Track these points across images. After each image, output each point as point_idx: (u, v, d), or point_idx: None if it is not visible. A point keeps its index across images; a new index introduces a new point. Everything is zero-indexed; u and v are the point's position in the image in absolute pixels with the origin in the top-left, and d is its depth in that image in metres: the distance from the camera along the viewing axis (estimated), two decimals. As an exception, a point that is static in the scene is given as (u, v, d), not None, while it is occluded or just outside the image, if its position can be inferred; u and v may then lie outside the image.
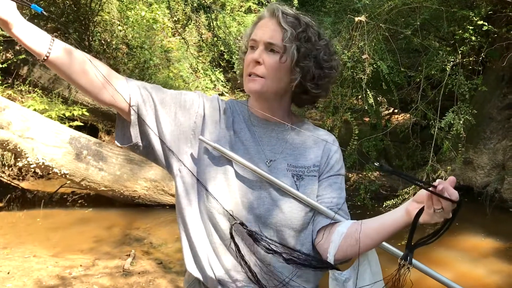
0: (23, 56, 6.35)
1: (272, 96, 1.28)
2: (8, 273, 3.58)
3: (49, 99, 6.30)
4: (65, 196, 5.49)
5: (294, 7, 1.53)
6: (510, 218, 5.16)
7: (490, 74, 5.62)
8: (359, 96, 5.34)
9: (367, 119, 6.23)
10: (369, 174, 5.60)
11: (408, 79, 5.59)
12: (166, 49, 8.21)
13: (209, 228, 1.24)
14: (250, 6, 9.69)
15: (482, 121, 5.51)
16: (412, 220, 1.09)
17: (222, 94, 8.88)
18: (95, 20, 7.33)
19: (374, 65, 4.89)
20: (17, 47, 6.50)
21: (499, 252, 4.29)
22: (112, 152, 5.13)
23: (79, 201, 5.39)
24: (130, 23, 7.67)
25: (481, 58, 5.09)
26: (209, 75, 8.93)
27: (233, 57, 7.86)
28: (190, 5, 8.73)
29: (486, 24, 4.82)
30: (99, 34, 7.34)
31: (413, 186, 4.45)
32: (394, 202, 4.45)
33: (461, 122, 4.74)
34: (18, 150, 4.73)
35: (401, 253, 1.13)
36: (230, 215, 1.20)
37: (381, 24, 4.95)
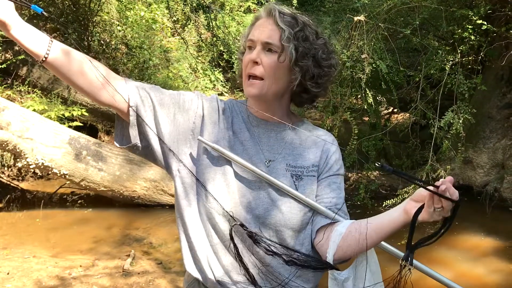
0: (22, 56, 6.36)
1: (272, 97, 1.28)
2: (8, 273, 3.58)
3: (49, 100, 6.30)
4: (65, 197, 5.49)
5: (293, 7, 1.53)
6: (509, 217, 5.16)
7: (489, 73, 5.63)
8: (359, 96, 5.34)
9: (366, 119, 6.24)
10: (368, 174, 5.60)
11: (408, 78, 5.59)
12: (165, 49, 8.22)
13: (209, 228, 1.24)
14: (249, 6, 9.69)
15: (481, 120, 5.51)
16: (411, 219, 1.09)
17: (221, 94, 8.88)
18: (94, 20, 7.33)
19: (373, 65, 4.89)
20: (16, 48, 6.49)
21: (499, 251, 4.29)
22: (112, 152, 5.13)
23: (79, 202, 5.38)
24: (129, 23, 7.67)
25: (480, 57, 5.09)
26: (209, 75, 8.94)
27: (233, 57, 7.86)
28: (189, 5, 8.72)
29: (485, 23, 4.82)
30: (98, 34, 7.34)
31: (413, 185, 4.45)
32: (394, 202, 4.45)
33: (461, 121, 4.74)
34: (18, 150, 4.72)
35: (401, 253, 1.14)
36: (230, 216, 1.20)
37: (380, 24, 4.95)
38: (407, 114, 6.93)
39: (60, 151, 4.87)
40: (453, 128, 4.77)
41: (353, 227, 1.20)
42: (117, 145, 1.28)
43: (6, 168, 5.68)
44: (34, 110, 5.53)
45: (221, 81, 9.15)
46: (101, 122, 6.92)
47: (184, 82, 8.14)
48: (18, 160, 4.90)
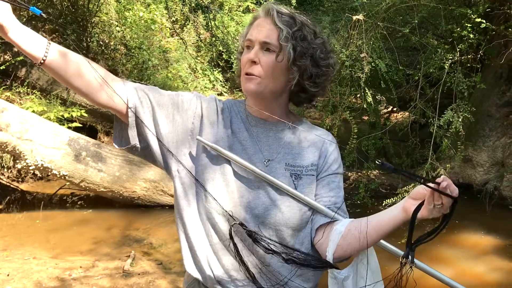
0: (21, 58, 6.36)
1: (270, 95, 1.28)
2: (8, 275, 3.58)
3: (48, 101, 6.30)
4: (65, 198, 5.49)
5: (292, 6, 1.53)
6: (509, 215, 5.17)
7: (489, 71, 5.63)
8: (358, 95, 5.34)
9: (366, 118, 6.24)
10: (368, 173, 5.60)
11: (407, 77, 5.59)
12: (164, 50, 8.22)
13: (208, 228, 1.24)
14: (248, 5, 9.70)
15: (481, 118, 5.52)
16: (410, 217, 1.10)
17: (221, 94, 8.89)
18: (93, 21, 7.33)
19: (372, 64, 4.89)
20: (15, 49, 6.49)
21: (499, 249, 4.29)
22: (111, 153, 5.12)
23: (79, 203, 5.38)
24: (128, 24, 7.67)
25: (479, 56, 5.09)
26: (208, 75, 8.95)
27: (232, 56, 7.87)
28: (188, 5, 8.73)
29: (484, 21, 4.82)
30: (97, 35, 7.34)
31: (413, 184, 4.45)
32: (394, 201, 4.45)
33: (460, 120, 4.74)
34: (17, 152, 4.72)
35: (400, 252, 1.14)
36: (230, 215, 1.20)
37: (379, 23, 4.96)
38: (407, 113, 6.93)
39: (59, 152, 4.87)
40: (453, 126, 4.77)
41: (352, 225, 1.20)
42: (116, 146, 1.28)
43: (5, 170, 5.67)
44: (33, 111, 5.53)
45: (221, 81, 9.16)
46: (101, 123, 6.92)
47: (183, 82, 8.14)
48: (17, 161, 4.90)
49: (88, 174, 4.96)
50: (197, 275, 1.26)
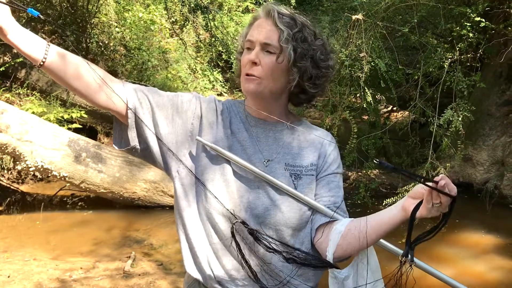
0: (21, 59, 6.36)
1: (269, 96, 1.28)
2: (9, 276, 3.58)
3: (47, 102, 6.30)
4: (65, 199, 5.49)
5: (291, 6, 1.53)
6: (510, 214, 5.17)
7: (488, 70, 5.63)
8: (358, 95, 5.34)
9: (365, 117, 6.23)
10: (368, 172, 5.60)
11: (406, 76, 5.59)
12: (164, 50, 8.22)
13: (208, 228, 1.24)
14: (247, 6, 9.70)
15: (481, 117, 5.52)
16: (409, 216, 1.10)
17: (220, 94, 8.89)
18: (92, 22, 7.33)
19: (372, 63, 4.89)
20: (15, 51, 6.49)
21: (500, 248, 4.29)
22: (111, 154, 5.12)
23: (79, 204, 5.38)
24: (127, 25, 7.68)
25: (479, 55, 5.09)
26: (208, 76, 8.95)
27: (231, 57, 7.87)
28: (187, 5, 8.73)
29: (483, 20, 4.82)
30: (96, 36, 7.34)
31: (412, 183, 4.45)
32: (394, 200, 4.45)
33: (460, 119, 4.74)
34: (17, 153, 4.72)
35: (400, 251, 1.14)
36: (231, 213, 1.20)
37: (378, 22, 4.96)
38: (406, 112, 6.93)
39: (59, 153, 4.87)
40: (453, 125, 4.77)
41: (352, 225, 1.20)
42: (116, 147, 1.28)
43: (6, 171, 5.67)
44: (33, 112, 5.54)
45: (220, 81, 9.17)
46: (101, 124, 6.92)
47: (183, 82, 8.15)
48: (17, 162, 4.90)
49: (88, 175, 4.96)
50: (197, 276, 1.26)
